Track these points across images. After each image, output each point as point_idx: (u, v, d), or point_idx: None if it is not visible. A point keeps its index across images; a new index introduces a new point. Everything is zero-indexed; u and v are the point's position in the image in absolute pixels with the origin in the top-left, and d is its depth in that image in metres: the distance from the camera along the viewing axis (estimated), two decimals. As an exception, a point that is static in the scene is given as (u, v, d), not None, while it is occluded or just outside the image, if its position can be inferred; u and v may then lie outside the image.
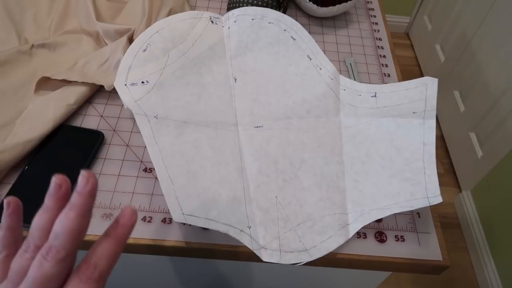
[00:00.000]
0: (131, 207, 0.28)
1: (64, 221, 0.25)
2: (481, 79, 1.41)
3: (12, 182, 0.47)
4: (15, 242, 0.29)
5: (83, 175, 0.26)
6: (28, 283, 0.25)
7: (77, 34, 0.63)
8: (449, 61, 1.67)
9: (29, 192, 0.46)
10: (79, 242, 0.26)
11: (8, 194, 0.46)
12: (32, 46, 0.59)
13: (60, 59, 0.60)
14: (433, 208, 0.50)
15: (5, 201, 0.29)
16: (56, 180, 0.27)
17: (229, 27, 0.59)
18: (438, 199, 0.46)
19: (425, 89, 0.53)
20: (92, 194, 0.27)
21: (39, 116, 0.51)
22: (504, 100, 1.27)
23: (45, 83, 0.54)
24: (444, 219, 1.47)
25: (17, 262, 0.26)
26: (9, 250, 0.28)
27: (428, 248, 0.47)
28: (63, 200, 0.27)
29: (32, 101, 0.53)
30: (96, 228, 0.44)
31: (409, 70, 1.95)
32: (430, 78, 0.53)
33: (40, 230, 0.27)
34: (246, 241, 0.43)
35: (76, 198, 0.26)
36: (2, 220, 0.29)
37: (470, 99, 1.49)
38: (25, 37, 0.62)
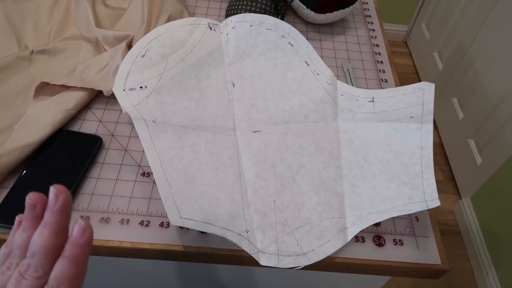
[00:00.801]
0: (82, 223, 0.26)
1: (38, 239, 0.25)
2: (479, 86, 1.42)
3: (10, 186, 0.47)
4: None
5: (52, 191, 0.25)
6: None
7: (76, 41, 0.64)
8: (447, 69, 1.67)
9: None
10: (56, 259, 0.26)
11: (6, 198, 0.46)
12: (32, 52, 0.59)
13: (60, 65, 0.60)
14: (433, 215, 0.50)
15: (16, 218, 0.28)
16: (29, 200, 0.26)
17: (227, 34, 0.59)
18: (436, 203, 0.46)
19: (422, 94, 0.53)
20: (64, 210, 0.26)
21: (38, 121, 0.51)
22: (502, 107, 1.28)
23: (44, 88, 0.55)
24: (444, 226, 1.46)
25: None
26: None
27: (426, 252, 0.47)
28: (39, 218, 0.26)
29: (31, 106, 0.53)
30: (94, 233, 0.44)
31: (408, 78, 1.96)
32: (427, 83, 0.53)
33: (19, 249, 0.26)
34: (244, 245, 0.43)
35: (48, 216, 0.26)
36: (10, 235, 0.28)
37: (468, 106, 1.49)
38: (25, 44, 0.63)
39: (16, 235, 0.27)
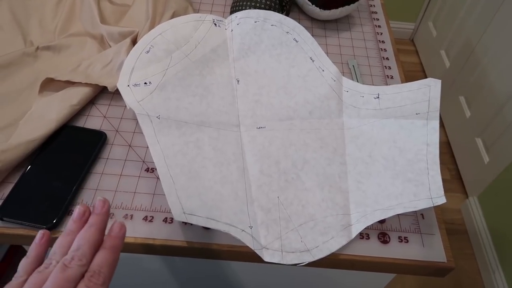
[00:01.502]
0: (120, 222, 0.33)
1: (85, 234, 0.31)
2: (486, 85, 1.41)
3: (15, 181, 0.47)
4: (36, 269, 0.30)
5: (100, 199, 0.33)
6: (48, 286, 0.27)
7: (81, 37, 0.64)
8: (454, 67, 1.66)
9: (31, 191, 0.46)
10: (96, 252, 0.30)
11: (10, 193, 0.46)
12: (37, 48, 0.60)
13: (65, 61, 0.60)
14: (439, 212, 0.50)
15: (40, 231, 0.32)
16: (80, 208, 0.33)
17: (232, 30, 0.59)
18: (442, 200, 0.45)
19: (429, 90, 0.52)
20: (107, 214, 0.33)
21: (43, 117, 0.51)
22: (510, 105, 1.26)
23: (49, 84, 0.55)
24: (451, 226, 1.45)
25: (35, 277, 0.28)
26: (28, 276, 0.29)
27: (432, 249, 0.46)
28: (83, 224, 0.32)
29: (36, 102, 0.53)
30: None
31: (414, 76, 1.95)
32: (433, 79, 0.53)
33: (63, 248, 0.30)
34: (247, 241, 0.43)
35: (94, 218, 0.32)
36: (32, 248, 0.32)
37: (475, 104, 1.48)
38: (31, 40, 0.63)
39: (60, 238, 0.31)
